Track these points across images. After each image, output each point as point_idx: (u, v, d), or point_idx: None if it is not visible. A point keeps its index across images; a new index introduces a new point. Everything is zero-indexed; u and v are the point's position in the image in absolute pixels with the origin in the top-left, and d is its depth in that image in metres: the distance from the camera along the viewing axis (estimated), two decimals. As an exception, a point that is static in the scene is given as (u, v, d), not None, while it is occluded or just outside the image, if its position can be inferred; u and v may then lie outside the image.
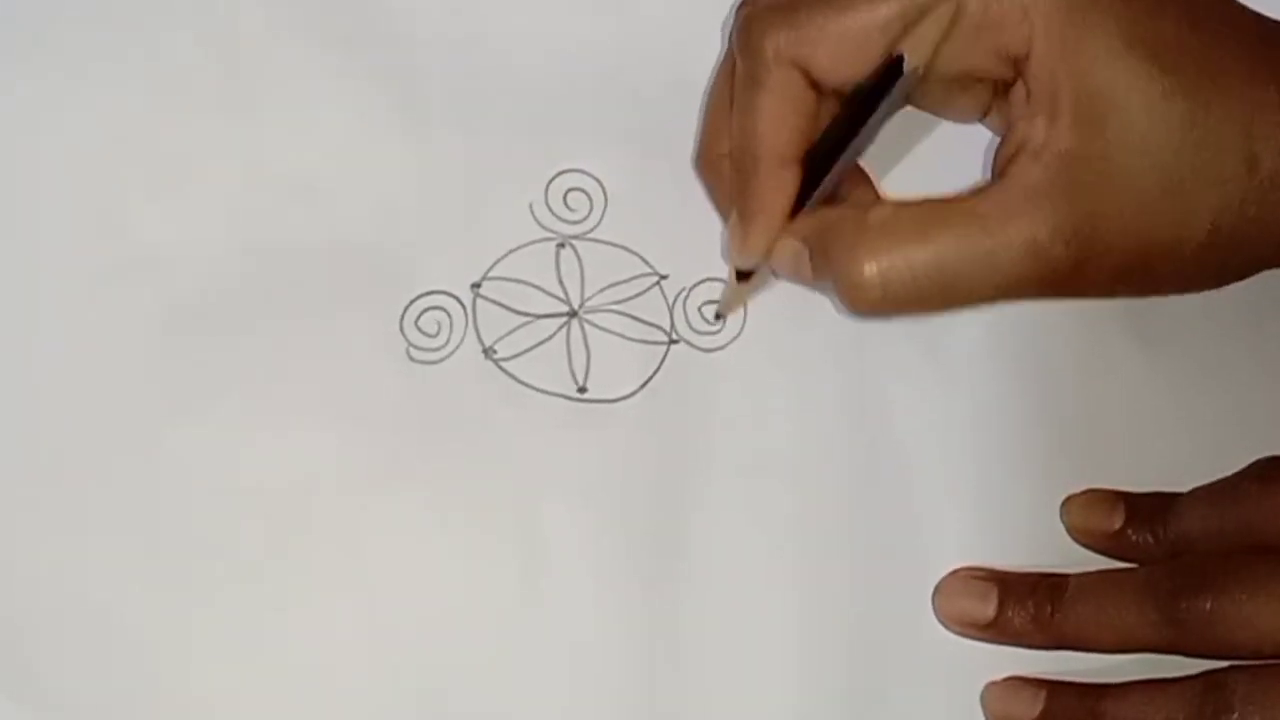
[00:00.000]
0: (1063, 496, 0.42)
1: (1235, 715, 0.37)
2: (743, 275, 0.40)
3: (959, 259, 0.36)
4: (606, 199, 0.43)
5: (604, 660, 0.40)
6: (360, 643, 0.39)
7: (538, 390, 0.41)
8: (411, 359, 0.41)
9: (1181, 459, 0.42)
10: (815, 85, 0.37)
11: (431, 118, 0.43)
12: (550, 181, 0.43)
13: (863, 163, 0.39)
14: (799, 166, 0.38)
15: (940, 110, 0.40)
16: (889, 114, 0.37)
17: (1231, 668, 0.38)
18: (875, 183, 0.40)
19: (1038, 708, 0.40)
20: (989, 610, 0.40)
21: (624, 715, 0.40)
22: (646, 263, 0.43)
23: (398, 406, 0.41)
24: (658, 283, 0.42)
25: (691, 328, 0.42)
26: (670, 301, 0.42)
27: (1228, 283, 0.38)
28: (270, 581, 0.39)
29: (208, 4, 0.43)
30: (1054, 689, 0.40)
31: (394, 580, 0.40)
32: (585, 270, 0.42)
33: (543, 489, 0.41)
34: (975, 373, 0.43)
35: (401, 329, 0.41)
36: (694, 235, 0.42)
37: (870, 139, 0.37)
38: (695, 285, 0.42)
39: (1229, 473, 0.41)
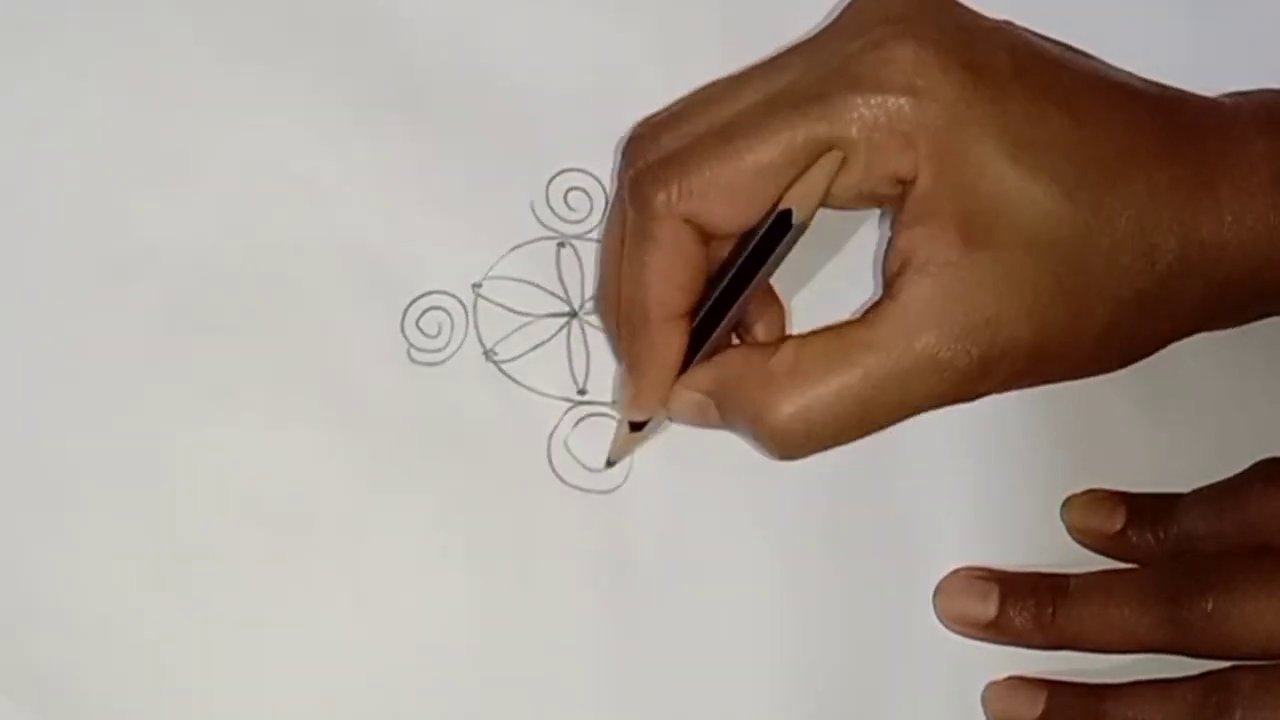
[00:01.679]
0: (1063, 497, 0.42)
1: (1238, 715, 0.37)
2: (636, 425, 0.40)
3: (871, 389, 0.36)
4: (607, 199, 0.43)
5: (603, 660, 0.40)
6: (359, 643, 0.39)
7: (537, 392, 0.41)
8: (412, 360, 0.41)
9: (1182, 459, 0.42)
10: (705, 235, 0.37)
11: (432, 117, 0.43)
12: (550, 181, 0.43)
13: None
14: (688, 320, 0.38)
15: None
16: (778, 262, 0.37)
17: (1234, 668, 0.38)
18: (780, 298, 0.40)
19: (1039, 708, 0.40)
20: (990, 610, 0.40)
21: (623, 714, 0.40)
22: (647, 263, 0.42)
23: (399, 408, 0.41)
24: (658, 283, 0.42)
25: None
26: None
27: (1131, 363, 0.39)
28: (270, 582, 0.39)
29: (208, 3, 0.43)
30: (1055, 689, 0.40)
31: (393, 580, 0.40)
32: (586, 270, 0.42)
33: (542, 490, 0.40)
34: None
35: (402, 329, 0.41)
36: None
37: (760, 285, 0.38)
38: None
39: (1230, 473, 0.41)
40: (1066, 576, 0.40)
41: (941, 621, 0.41)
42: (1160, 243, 0.36)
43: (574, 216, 0.43)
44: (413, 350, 0.41)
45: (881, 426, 0.37)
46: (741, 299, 0.38)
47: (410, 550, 0.40)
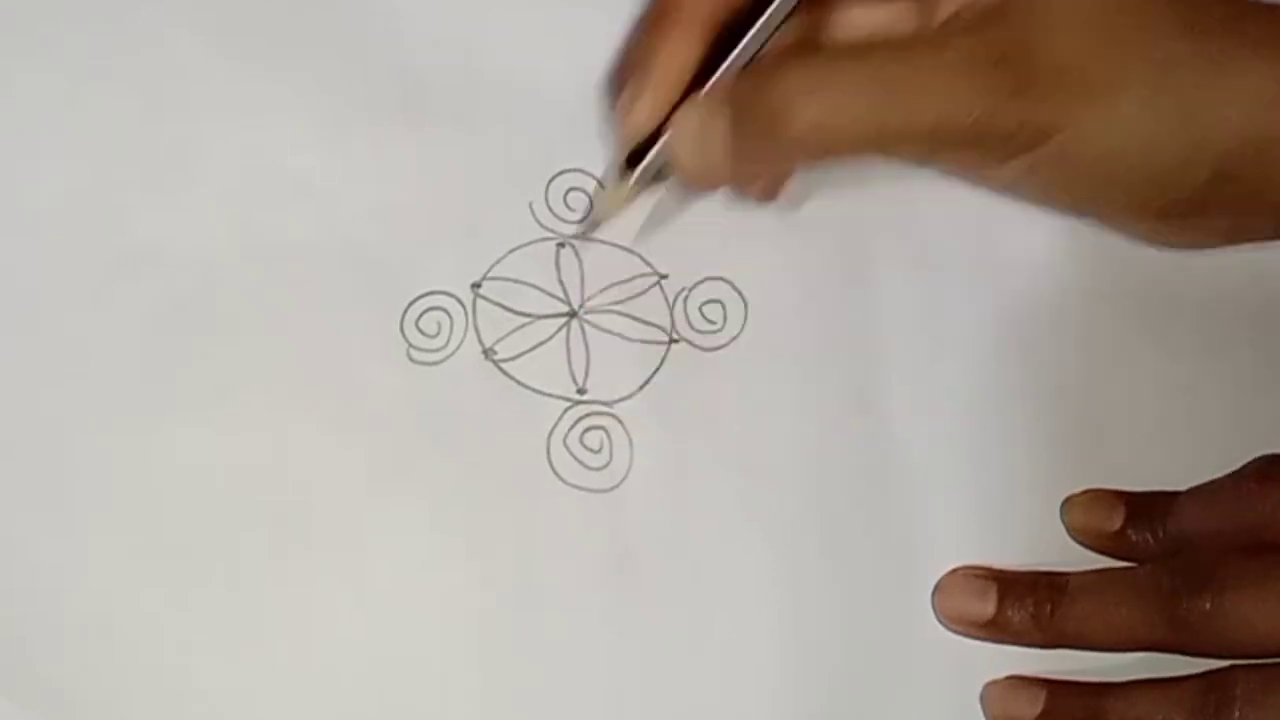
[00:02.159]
0: (1062, 497, 0.42)
1: (1236, 714, 0.37)
2: (632, 161, 0.39)
3: (890, 85, 0.35)
4: (586, 218, 0.43)
5: (601, 662, 0.40)
6: (359, 642, 0.39)
7: (537, 391, 0.41)
8: (411, 360, 0.41)
9: (1182, 458, 0.42)
10: None
11: (431, 117, 0.43)
12: (550, 181, 0.43)
13: None
14: (712, 30, 0.37)
15: None
16: None
17: (1233, 667, 0.38)
18: None
19: (1038, 707, 0.40)
20: (988, 609, 0.40)
21: (622, 714, 0.40)
22: (646, 263, 0.42)
23: (398, 407, 0.41)
24: (658, 282, 0.42)
25: (692, 327, 0.42)
26: (670, 301, 0.42)
27: (1170, 216, 0.38)
28: (269, 582, 0.39)
29: (207, 2, 0.43)
30: (1054, 688, 0.40)
31: (393, 580, 0.40)
32: (585, 270, 0.42)
33: (541, 490, 0.41)
34: (975, 373, 0.43)
35: (401, 329, 0.41)
36: (694, 235, 0.42)
37: (785, 10, 0.37)
38: (695, 285, 0.42)
39: (1229, 471, 0.41)
40: (1066, 575, 0.40)
41: (940, 620, 0.41)
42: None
43: (573, 217, 0.43)
44: (412, 350, 0.41)
45: (899, 140, 0.36)
46: (766, 19, 0.37)
47: (409, 549, 0.40)
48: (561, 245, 0.42)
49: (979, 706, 0.40)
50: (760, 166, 0.40)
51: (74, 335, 0.40)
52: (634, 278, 0.42)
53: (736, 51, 0.37)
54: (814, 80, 0.36)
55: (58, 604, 0.39)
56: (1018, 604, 0.40)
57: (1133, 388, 0.43)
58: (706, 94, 0.38)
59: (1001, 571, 0.41)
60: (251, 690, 0.39)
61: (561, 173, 0.43)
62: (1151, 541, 0.41)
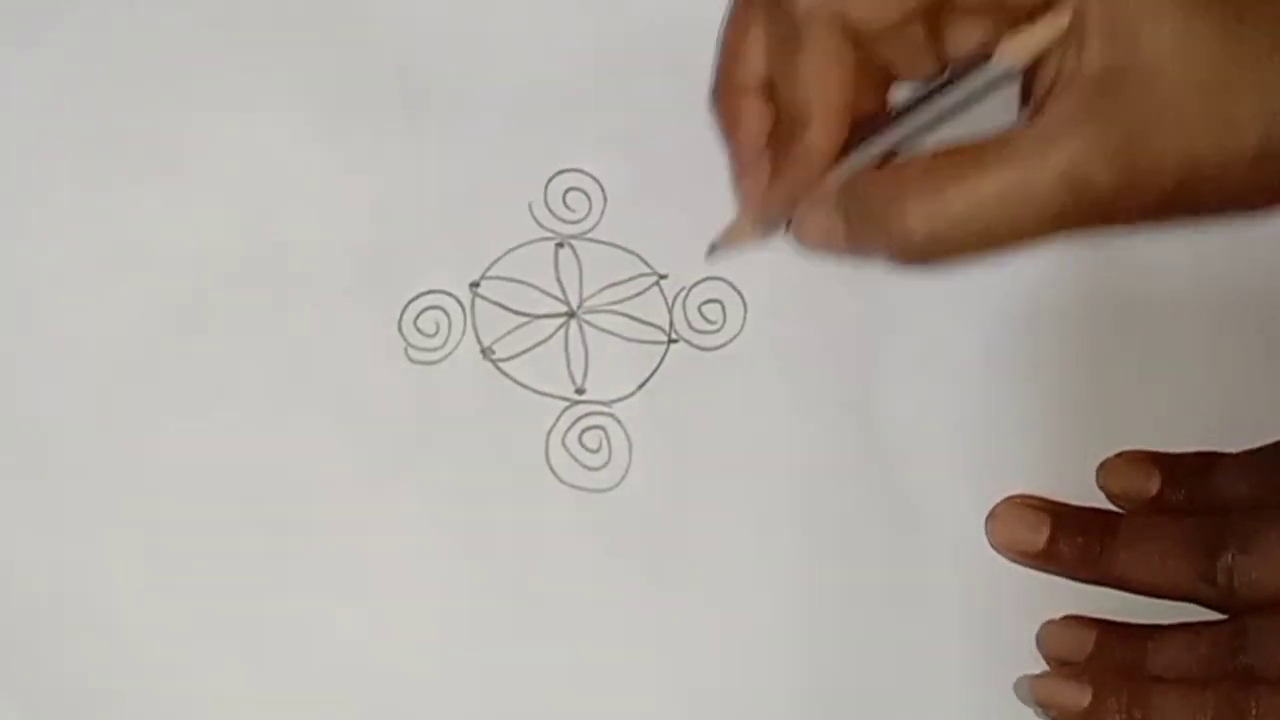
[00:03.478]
0: (1062, 496, 0.42)
1: (1250, 656, 0.38)
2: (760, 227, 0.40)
3: (1002, 197, 0.36)
4: (606, 199, 0.43)
5: (601, 661, 0.40)
6: (358, 642, 0.39)
7: (536, 391, 0.41)
8: (410, 359, 0.41)
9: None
10: (856, 33, 0.37)
11: (431, 117, 0.43)
12: (549, 181, 0.43)
13: None
14: (846, 122, 0.38)
15: (962, 43, 0.40)
16: (965, 107, 0.37)
17: (1249, 612, 0.39)
18: None
19: (1088, 647, 0.40)
20: (1040, 539, 0.41)
21: (622, 714, 0.40)
22: (645, 263, 0.42)
23: (396, 406, 0.41)
24: (657, 283, 0.42)
25: (691, 327, 0.42)
26: (669, 301, 0.42)
27: (1278, 204, 0.38)
28: (269, 581, 0.39)
29: (207, 2, 0.43)
30: (1104, 630, 0.40)
31: (392, 579, 0.40)
32: (584, 270, 0.42)
33: (539, 490, 0.40)
34: (975, 372, 0.43)
35: (400, 329, 0.41)
36: (693, 235, 0.42)
37: (934, 125, 0.38)
38: (694, 285, 0.42)
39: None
40: (1119, 516, 0.41)
41: (992, 545, 0.41)
42: None
43: (572, 217, 0.43)
44: (410, 349, 0.41)
45: (1011, 242, 0.37)
46: (909, 130, 0.38)
47: (408, 548, 0.40)
48: (560, 245, 0.42)
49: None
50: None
51: (72, 334, 0.40)
52: (633, 278, 0.42)
53: (864, 149, 0.38)
54: (927, 198, 0.36)
55: (57, 604, 0.39)
56: (1069, 538, 0.40)
57: (1132, 386, 0.43)
58: (832, 194, 0.39)
59: (1056, 503, 0.41)
60: (251, 690, 0.39)
61: (560, 172, 0.43)
62: (1188, 505, 0.41)
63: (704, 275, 0.42)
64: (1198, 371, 0.43)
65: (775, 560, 0.41)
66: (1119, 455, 0.42)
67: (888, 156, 0.38)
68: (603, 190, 0.43)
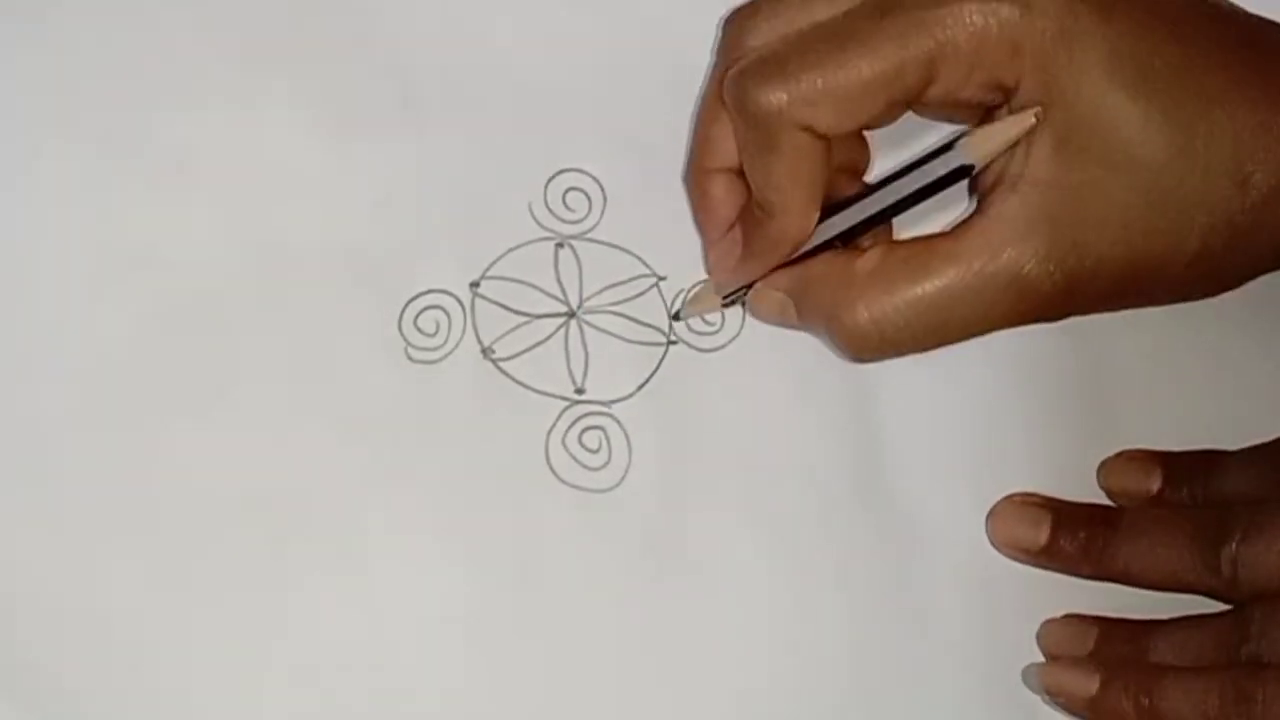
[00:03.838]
0: (1063, 494, 0.42)
1: (1252, 645, 0.38)
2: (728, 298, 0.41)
3: (949, 299, 0.37)
4: (606, 199, 0.43)
5: (601, 661, 0.40)
6: (359, 642, 0.39)
7: (535, 391, 0.41)
8: (410, 359, 0.41)
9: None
10: (820, 136, 0.37)
11: (431, 117, 0.43)
12: (549, 181, 0.43)
13: None
14: (814, 212, 0.38)
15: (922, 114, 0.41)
16: (925, 194, 0.38)
17: (1256, 600, 0.39)
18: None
19: (1090, 644, 0.40)
20: (1041, 536, 0.41)
21: (621, 712, 0.40)
22: (645, 264, 0.43)
23: (396, 406, 0.41)
24: (656, 284, 0.42)
25: (690, 328, 0.42)
26: (669, 302, 0.42)
27: (1219, 293, 0.39)
28: (269, 581, 0.39)
29: (208, 2, 0.43)
30: (1105, 627, 0.41)
31: (392, 579, 0.40)
32: (584, 270, 0.42)
33: (539, 490, 0.41)
34: (974, 372, 0.43)
35: (400, 328, 0.41)
36: (693, 236, 0.42)
37: (893, 210, 0.39)
38: (694, 286, 0.42)
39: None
40: (1120, 511, 0.41)
41: (993, 544, 0.41)
42: (1254, 171, 0.36)
43: (572, 217, 0.43)
44: (410, 349, 0.41)
45: (956, 339, 0.38)
46: (868, 213, 0.38)
47: (408, 547, 0.40)
48: (560, 245, 0.42)
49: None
50: None
51: (73, 335, 0.40)
52: (633, 278, 0.42)
53: (824, 230, 0.39)
54: (875, 299, 0.37)
55: (57, 604, 0.39)
56: (1070, 535, 0.41)
57: (1133, 386, 0.43)
58: (785, 278, 0.40)
59: (1057, 501, 0.41)
60: (251, 690, 0.39)
61: (560, 172, 0.43)
62: (1190, 503, 0.41)
63: (703, 277, 0.42)
64: (1199, 370, 0.43)
65: (775, 560, 0.41)
66: (1120, 454, 0.42)
67: (848, 233, 0.39)
68: (603, 190, 0.43)
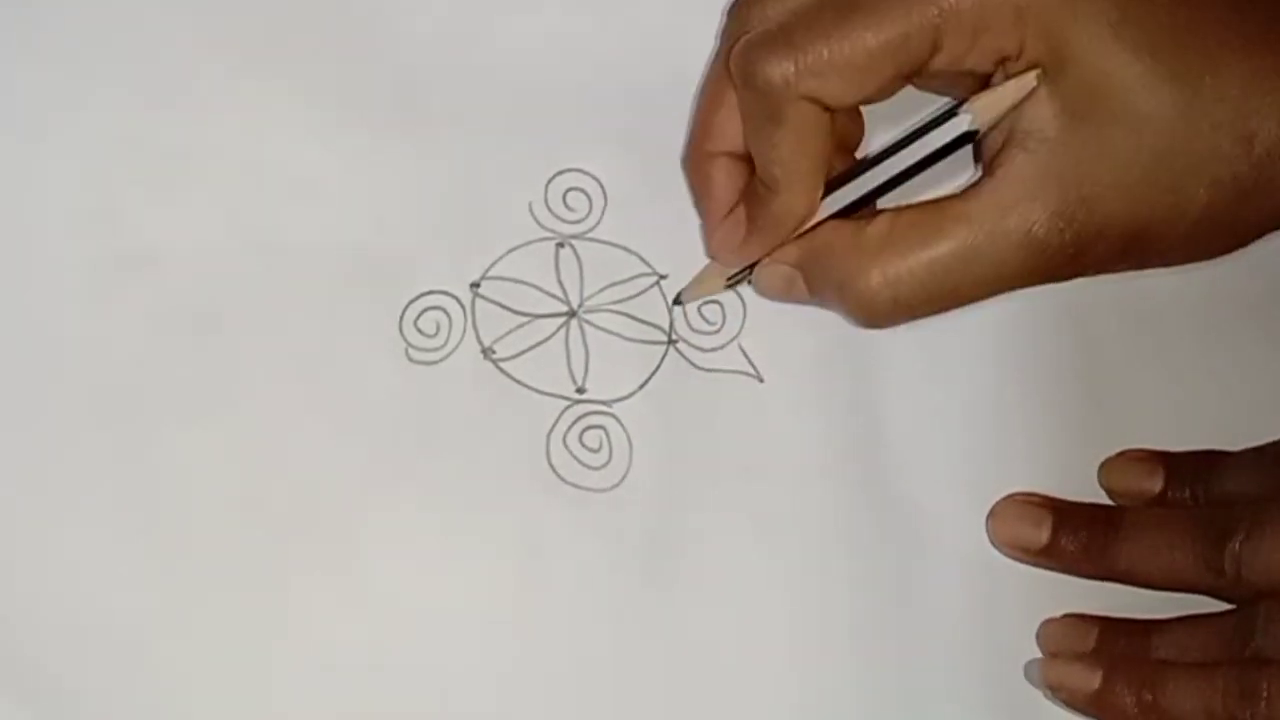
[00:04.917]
0: (1064, 494, 0.42)
1: (1255, 642, 0.38)
2: (731, 279, 0.41)
3: (962, 260, 0.37)
4: (606, 199, 0.43)
5: (601, 661, 0.40)
6: (359, 643, 0.39)
7: (536, 391, 0.41)
8: (410, 359, 0.41)
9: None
10: (826, 107, 0.37)
11: (431, 117, 0.43)
12: (550, 181, 0.43)
13: None
14: (819, 186, 0.38)
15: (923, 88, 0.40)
16: (931, 161, 0.38)
17: (1260, 598, 0.39)
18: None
19: (1090, 643, 0.40)
20: (1042, 536, 0.41)
21: (621, 712, 0.40)
22: (646, 263, 0.43)
23: (397, 407, 0.41)
24: (657, 283, 0.42)
25: (691, 328, 0.42)
26: (670, 302, 0.42)
27: (1228, 252, 0.39)
28: (269, 582, 0.39)
29: (207, 2, 0.43)
30: (1105, 627, 0.40)
31: (392, 580, 0.40)
32: (584, 270, 0.42)
33: (540, 489, 0.40)
34: (974, 372, 0.43)
35: (400, 329, 0.41)
36: (694, 235, 0.42)
37: (899, 179, 0.38)
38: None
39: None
40: (1122, 510, 0.41)
41: (993, 544, 0.41)
42: (1259, 128, 0.36)
43: (573, 217, 0.43)
44: (411, 349, 0.41)
45: (970, 301, 0.37)
46: (874, 183, 0.38)
47: (409, 548, 0.40)
48: (561, 245, 0.42)
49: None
50: None
51: (74, 335, 0.40)
52: (633, 278, 0.42)
53: (829, 202, 0.39)
54: (887, 263, 0.37)
55: (58, 604, 0.39)
56: (1071, 535, 0.41)
57: (1134, 386, 0.43)
58: (793, 251, 0.39)
59: (1058, 500, 0.41)
60: (252, 690, 0.39)
61: (560, 172, 0.43)
62: (1192, 503, 0.41)
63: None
64: (1200, 370, 0.43)
65: (775, 560, 0.41)
66: (1122, 454, 0.42)
67: (850, 208, 0.39)
68: (603, 190, 0.43)
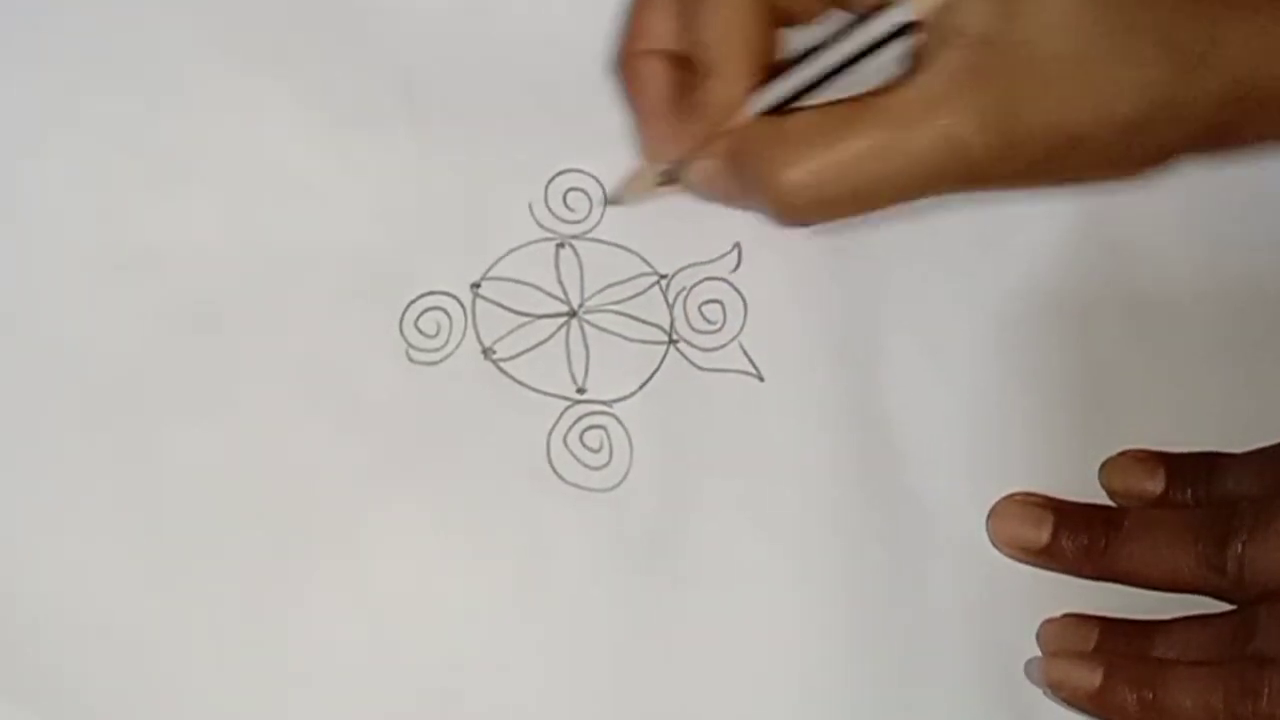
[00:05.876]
0: (1064, 494, 0.42)
1: (1257, 643, 0.38)
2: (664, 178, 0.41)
3: (883, 157, 0.36)
4: (606, 199, 0.43)
5: (602, 661, 0.40)
6: (359, 643, 0.39)
7: (537, 391, 0.41)
8: (411, 360, 0.41)
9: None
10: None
11: (431, 118, 0.43)
12: (550, 181, 0.43)
13: None
14: (751, 72, 0.38)
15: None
16: (863, 56, 0.37)
17: (1261, 599, 0.39)
18: None
19: (1091, 643, 0.40)
20: (1043, 536, 0.41)
21: (622, 712, 0.40)
22: (646, 263, 0.43)
23: (397, 407, 0.41)
24: (657, 283, 0.42)
25: (691, 327, 0.42)
26: (670, 301, 0.42)
27: (1147, 170, 0.39)
28: (270, 582, 0.39)
29: (207, 2, 0.43)
30: (1106, 626, 0.40)
31: (393, 580, 0.40)
32: (585, 270, 0.42)
33: (541, 489, 0.40)
34: (975, 371, 0.43)
35: (401, 330, 0.41)
36: (694, 235, 0.42)
37: (831, 74, 0.38)
38: (695, 285, 0.42)
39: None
40: (1122, 511, 0.41)
41: (994, 544, 0.41)
42: (1186, 39, 0.36)
43: (573, 217, 0.43)
44: (411, 350, 0.41)
45: (891, 202, 0.37)
46: (806, 78, 0.38)
47: (409, 549, 0.40)
48: (561, 245, 0.42)
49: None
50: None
51: (74, 335, 0.40)
52: (633, 278, 0.42)
53: (760, 97, 0.38)
54: (807, 155, 0.37)
55: (58, 604, 0.39)
56: (1072, 535, 0.41)
57: (1135, 385, 0.43)
58: (720, 144, 0.39)
59: (1059, 501, 0.41)
60: (252, 690, 0.39)
61: (561, 173, 0.43)
62: (1194, 504, 0.41)
63: (704, 276, 0.42)
64: (1202, 370, 0.43)
65: (775, 560, 0.41)
66: (1123, 454, 0.42)
67: (783, 104, 0.38)
68: (603, 190, 0.43)
